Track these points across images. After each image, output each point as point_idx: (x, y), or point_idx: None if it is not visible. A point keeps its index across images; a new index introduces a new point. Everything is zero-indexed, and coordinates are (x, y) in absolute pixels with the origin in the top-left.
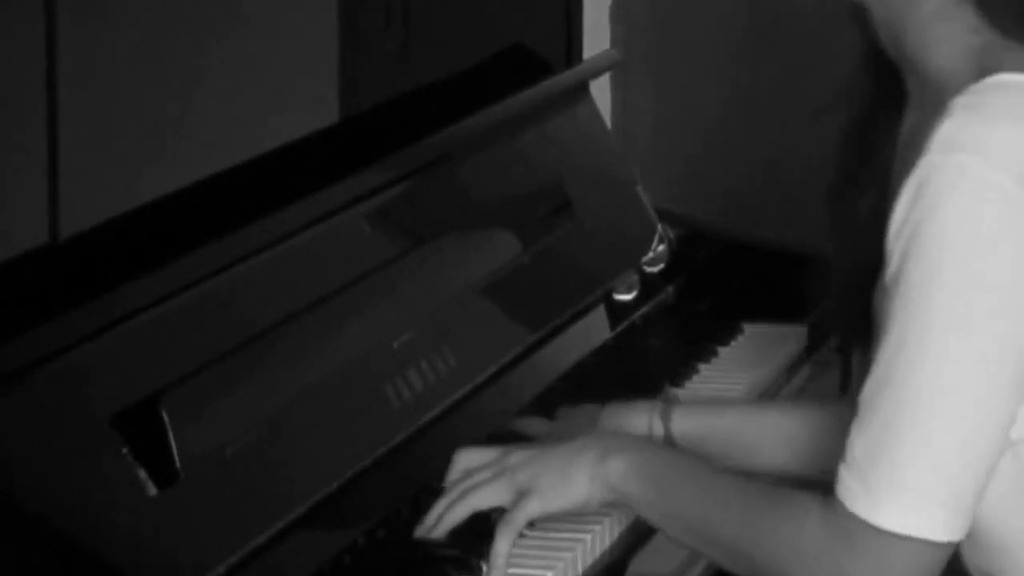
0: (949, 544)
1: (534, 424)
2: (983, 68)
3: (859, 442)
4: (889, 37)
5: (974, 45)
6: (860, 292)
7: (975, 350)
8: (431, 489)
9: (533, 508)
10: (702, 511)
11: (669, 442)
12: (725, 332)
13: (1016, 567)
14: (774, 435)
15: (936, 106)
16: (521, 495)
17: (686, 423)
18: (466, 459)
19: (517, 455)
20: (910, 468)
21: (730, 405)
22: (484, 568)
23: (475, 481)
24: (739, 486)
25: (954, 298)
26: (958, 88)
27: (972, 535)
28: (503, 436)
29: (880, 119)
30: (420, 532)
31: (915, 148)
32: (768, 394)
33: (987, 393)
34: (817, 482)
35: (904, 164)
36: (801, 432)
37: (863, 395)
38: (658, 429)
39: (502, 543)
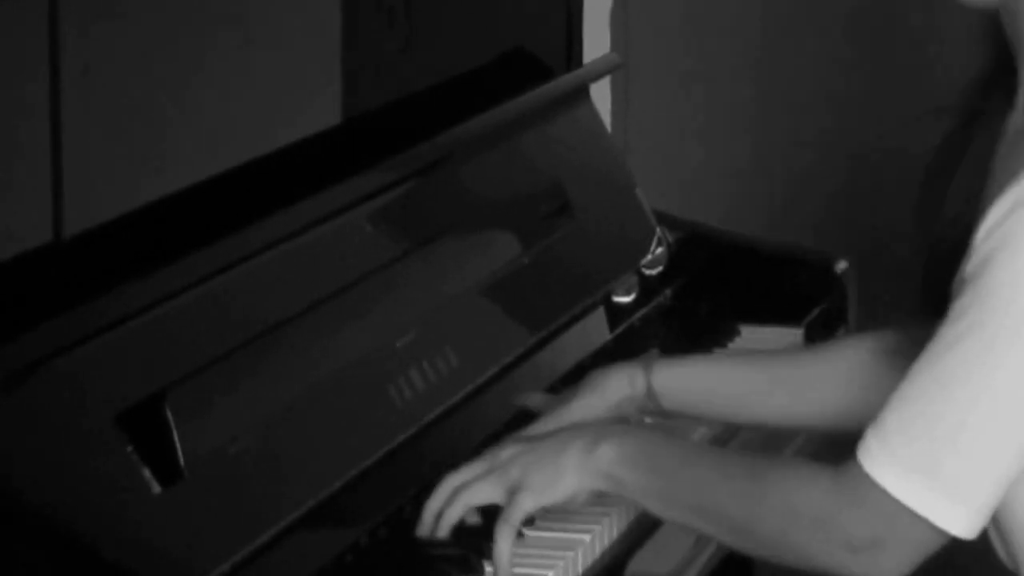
0: (952, 537)
1: (535, 398)
2: None
3: (895, 415)
4: (1014, 37)
5: None
6: (938, 277)
7: None
8: (432, 489)
9: (527, 503)
10: (698, 489)
11: (651, 396)
12: (722, 334)
13: None
14: (755, 386)
15: None
16: (513, 491)
17: (667, 375)
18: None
19: (507, 451)
20: (946, 456)
21: (711, 357)
22: (486, 567)
23: (466, 478)
24: (735, 459)
25: None
26: None
27: (1008, 532)
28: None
29: (988, 117)
30: (419, 531)
31: (1017, 154)
32: None
33: None
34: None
35: (1006, 166)
36: (782, 383)
37: (911, 371)
38: (640, 383)
39: (502, 543)
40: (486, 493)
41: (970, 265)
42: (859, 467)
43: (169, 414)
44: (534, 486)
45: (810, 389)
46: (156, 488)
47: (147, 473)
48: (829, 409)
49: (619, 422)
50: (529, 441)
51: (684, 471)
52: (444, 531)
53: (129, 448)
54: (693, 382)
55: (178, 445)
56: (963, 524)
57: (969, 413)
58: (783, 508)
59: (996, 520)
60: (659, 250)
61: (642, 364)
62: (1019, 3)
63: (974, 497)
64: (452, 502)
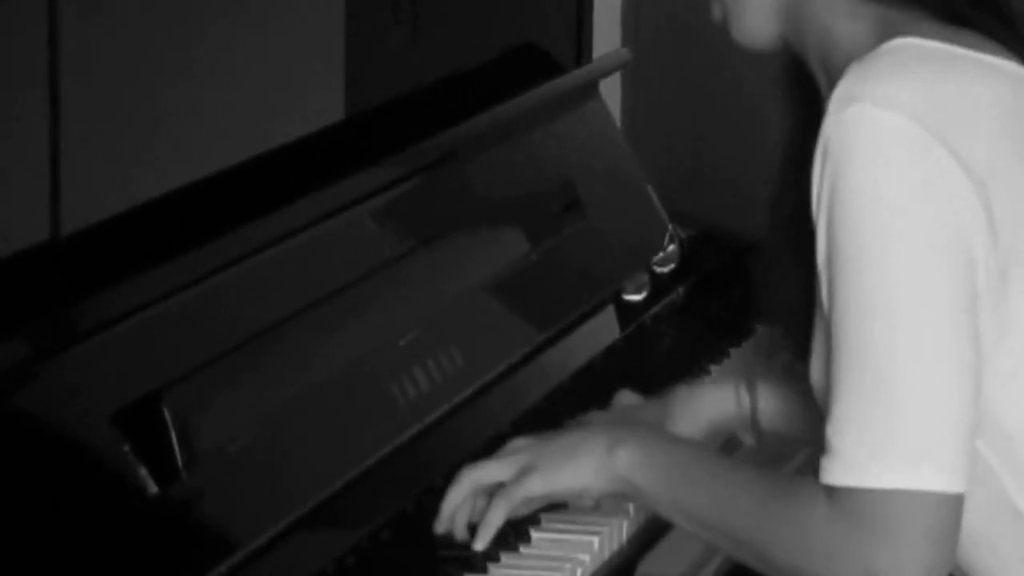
0: (953, 496)
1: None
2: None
3: (832, 425)
4: (803, 55)
5: (866, 33)
6: (805, 304)
7: (915, 292)
8: (436, 489)
9: (534, 485)
10: (711, 505)
11: (755, 418)
12: (736, 333)
13: (988, 559)
14: None
15: None
16: (524, 472)
17: (772, 397)
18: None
19: (524, 440)
20: (887, 424)
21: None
22: (490, 569)
23: (480, 462)
24: (750, 479)
25: (883, 247)
26: None
27: None
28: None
29: (807, 128)
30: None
31: None
32: None
33: (938, 330)
34: None
35: None
36: None
37: (831, 390)
38: (746, 401)
39: (496, 514)
40: (494, 472)
41: (819, 247)
42: (831, 488)
43: (167, 413)
44: (545, 471)
45: None
46: (153, 488)
47: (144, 472)
48: None
49: (645, 424)
50: (550, 433)
51: (695, 486)
52: (446, 514)
53: (126, 447)
54: (798, 408)
55: (176, 444)
56: (942, 476)
57: (886, 373)
58: (792, 536)
59: None
60: (671, 247)
61: (745, 382)
62: (802, 10)
63: (936, 445)
64: (457, 481)
